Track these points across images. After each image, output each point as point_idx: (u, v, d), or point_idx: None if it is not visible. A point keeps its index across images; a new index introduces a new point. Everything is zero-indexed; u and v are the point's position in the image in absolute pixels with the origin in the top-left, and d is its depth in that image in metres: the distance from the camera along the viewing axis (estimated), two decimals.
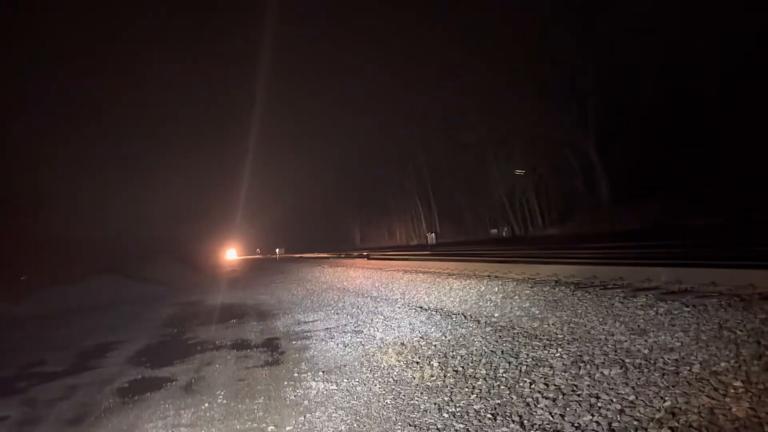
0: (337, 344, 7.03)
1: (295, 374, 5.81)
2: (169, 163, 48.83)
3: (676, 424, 3.29)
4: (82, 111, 41.29)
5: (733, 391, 3.59)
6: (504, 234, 37.39)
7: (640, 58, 25.28)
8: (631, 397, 3.81)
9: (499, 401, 4.18)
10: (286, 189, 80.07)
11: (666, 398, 3.68)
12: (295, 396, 5.04)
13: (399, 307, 9.05)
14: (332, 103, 66.81)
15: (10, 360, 8.52)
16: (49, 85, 37.85)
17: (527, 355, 5.17)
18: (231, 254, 70.21)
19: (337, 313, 9.69)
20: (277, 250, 77.43)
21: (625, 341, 5.07)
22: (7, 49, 33.67)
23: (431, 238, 43.32)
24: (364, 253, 29.79)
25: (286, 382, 5.54)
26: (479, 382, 4.68)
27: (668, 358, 4.46)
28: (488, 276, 9.95)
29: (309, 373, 5.76)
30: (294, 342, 7.62)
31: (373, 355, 6.16)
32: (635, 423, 3.41)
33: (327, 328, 8.32)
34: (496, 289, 8.33)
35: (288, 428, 4.26)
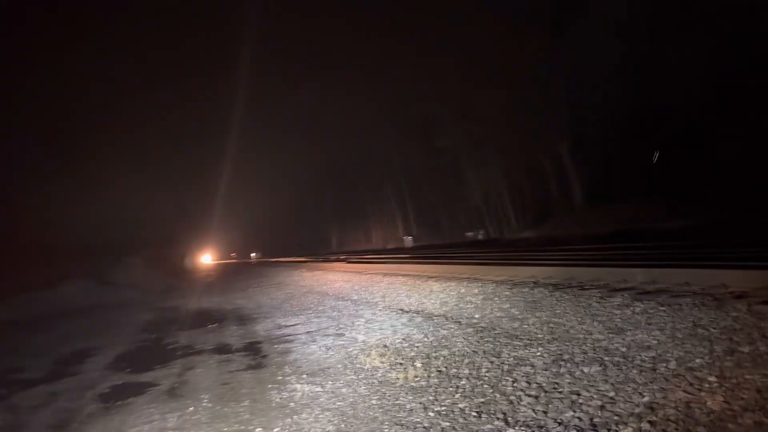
0: (320, 347, 7.06)
1: (279, 377, 5.83)
2: (143, 166, 48.07)
3: (655, 418, 3.41)
4: (48, 112, 40.47)
5: (707, 385, 3.74)
6: (480, 237, 37.74)
7: (612, 62, 25.77)
8: (611, 394, 3.93)
9: (483, 399, 4.27)
10: (262, 193, 79.58)
11: (644, 394, 3.81)
12: (280, 398, 5.07)
13: (380, 310, 9.11)
14: (308, 108, 66.56)
15: None
16: (21, 87, 37.10)
17: (509, 354, 5.28)
18: (206, 258, 69.46)
19: (318, 317, 9.70)
20: (252, 254, 76.98)
21: (603, 340, 5.22)
22: None
23: (408, 241, 43.54)
24: (342, 257, 29.81)
25: (270, 385, 5.56)
26: (463, 382, 4.76)
27: (645, 356, 4.61)
28: (468, 278, 10.09)
29: (293, 376, 5.78)
30: (276, 346, 7.62)
31: (356, 357, 6.21)
32: (616, 418, 3.53)
33: (308, 332, 8.34)
34: (476, 290, 8.46)
35: (275, 430, 4.29)
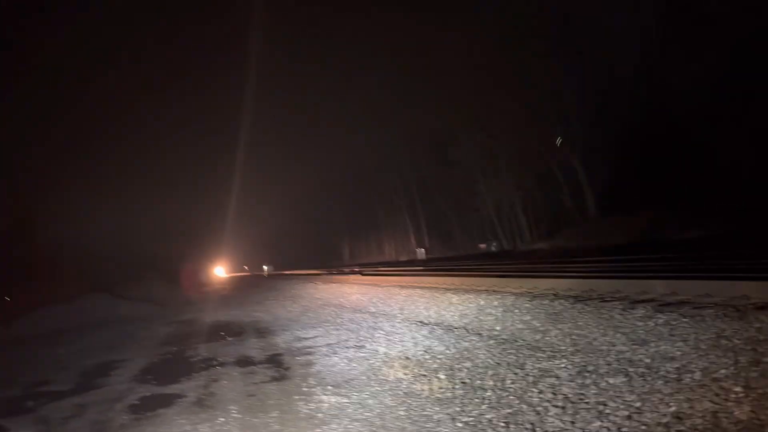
0: (341, 359, 7.13)
1: (304, 389, 5.90)
2: (156, 182, 48.60)
3: (683, 428, 3.46)
4: (67, 131, 41.17)
5: (734, 395, 3.78)
6: (493, 249, 37.66)
7: (625, 73, 25.84)
8: (638, 404, 3.98)
9: (510, 410, 4.33)
10: (274, 206, 79.88)
11: (671, 404, 3.85)
12: (308, 410, 5.15)
13: (399, 323, 9.17)
14: (321, 121, 67.10)
15: (13, 380, 8.51)
16: (30, 102, 37.78)
17: (532, 366, 5.33)
18: (219, 272, 69.70)
19: (337, 329, 9.77)
20: (264, 267, 77.03)
21: (627, 351, 5.26)
22: None
23: (421, 253, 43.49)
24: (356, 269, 29.87)
25: (296, 397, 5.64)
26: (488, 393, 4.82)
27: (670, 367, 4.64)
28: (486, 290, 10.13)
29: (318, 388, 5.86)
30: (298, 358, 7.70)
31: (379, 369, 6.28)
32: (643, 428, 3.58)
33: (328, 344, 8.41)
34: (496, 303, 8.51)
35: None
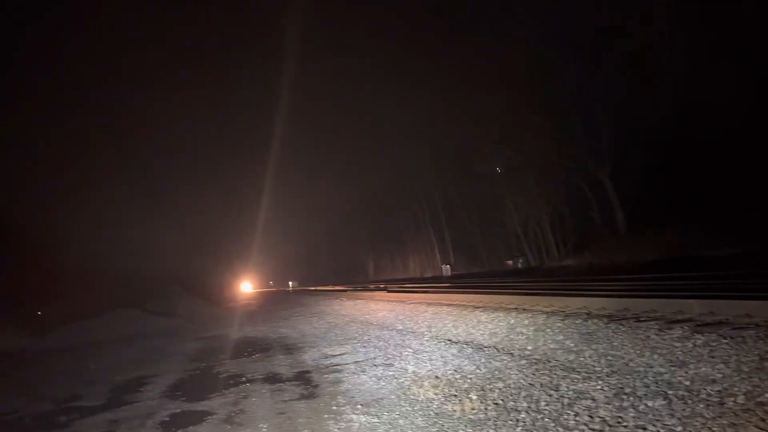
0: (370, 377, 7.07)
1: (334, 407, 5.86)
2: (185, 198, 49.28)
3: None
4: (97, 145, 42.08)
5: None
6: (519, 265, 37.25)
7: (654, 86, 25.55)
8: (679, 428, 3.85)
9: None
10: (300, 222, 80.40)
11: (714, 428, 3.72)
12: (338, 429, 5.09)
13: (427, 341, 9.08)
14: (346, 136, 67.53)
15: (45, 394, 8.63)
16: (63, 117, 38.78)
17: (567, 387, 5.20)
18: (246, 287, 70.21)
19: (364, 347, 9.72)
20: (290, 283, 77.50)
21: (666, 373, 5.11)
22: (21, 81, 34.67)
23: (446, 269, 43.23)
24: (381, 286, 29.81)
25: (326, 415, 5.59)
26: (522, 415, 4.72)
27: (711, 390, 4.50)
28: (516, 308, 9.99)
29: (347, 407, 5.80)
30: (326, 375, 7.66)
31: (408, 388, 6.20)
32: None
33: (356, 362, 8.36)
34: (526, 321, 8.37)
35: None
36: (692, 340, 5.81)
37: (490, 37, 34.37)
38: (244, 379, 8.18)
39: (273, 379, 7.93)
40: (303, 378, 7.71)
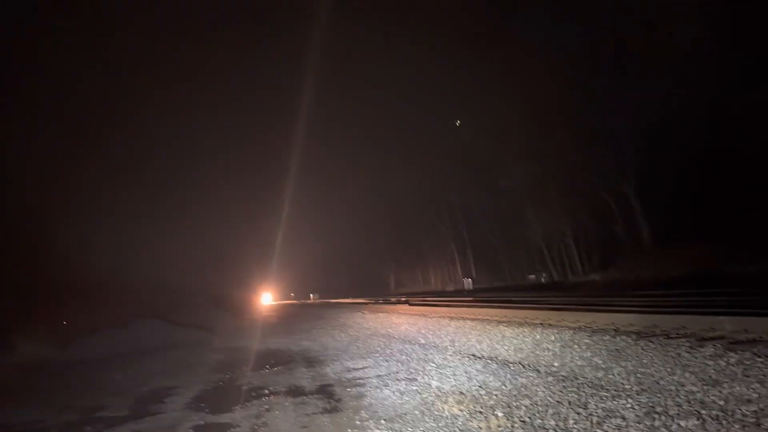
0: (393, 392, 6.99)
1: (357, 422, 5.80)
2: (209, 212, 49.93)
3: None
4: (123, 158, 42.91)
5: None
6: (542, 280, 36.84)
7: (680, 98, 25.23)
8: None
9: None
10: (320, 233, 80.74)
11: None
12: None
13: (450, 355, 8.98)
14: (367, 148, 67.92)
15: (70, 404, 8.71)
16: (88, 132, 39.63)
17: (596, 405, 5.09)
18: (267, 299, 70.53)
19: (387, 360, 9.64)
20: (311, 295, 77.68)
21: (698, 392, 4.97)
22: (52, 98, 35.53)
23: (468, 283, 42.95)
24: (403, 299, 29.69)
25: (349, 430, 5.55)
26: None
27: (746, 410, 4.37)
28: (541, 324, 9.85)
29: (371, 421, 5.75)
30: (348, 389, 7.61)
31: (432, 404, 6.12)
32: None
33: (379, 375, 8.29)
34: (553, 337, 8.24)
35: None
36: (725, 359, 5.66)
37: (515, 50, 34.32)
38: (266, 391, 8.17)
39: (295, 392, 7.90)
40: (325, 391, 7.67)
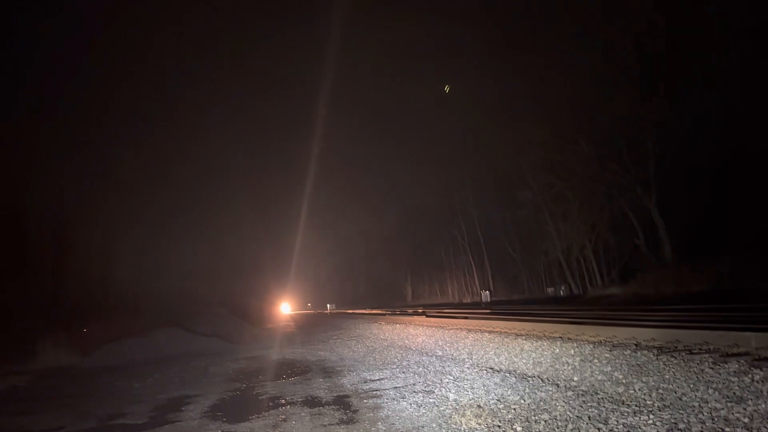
0: (410, 404, 6.95)
1: None
2: (227, 222, 50.36)
3: None
4: (145, 170, 43.54)
5: None
6: (561, 293, 36.48)
7: (704, 111, 24.98)
8: None
9: None
10: (338, 244, 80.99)
11: None
12: None
13: (468, 368, 8.91)
14: (385, 159, 68.19)
15: (89, 411, 8.78)
16: (109, 144, 40.33)
17: (617, 421, 5.01)
18: (285, 309, 70.72)
19: (404, 372, 9.60)
20: (328, 305, 77.77)
21: (722, 409, 4.88)
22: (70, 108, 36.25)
23: (485, 295, 42.66)
24: (420, 310, 29.57)
25: None
26: None
27: None
28: (560, 337, 9.73)
29: None
30: (365, 400, 7.58)
31: (450, 417, 6.07)
32: None
33: (395, 387, 8.26)
34: (572, 351, 8.13)
35: None
36: (750, 375, 5.54)
37: (536, 62, 34.30)
38: (283, 401, 8.17)
39: (312, 402, 7.90)
40: (342, 402, 7.65)
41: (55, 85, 36.91)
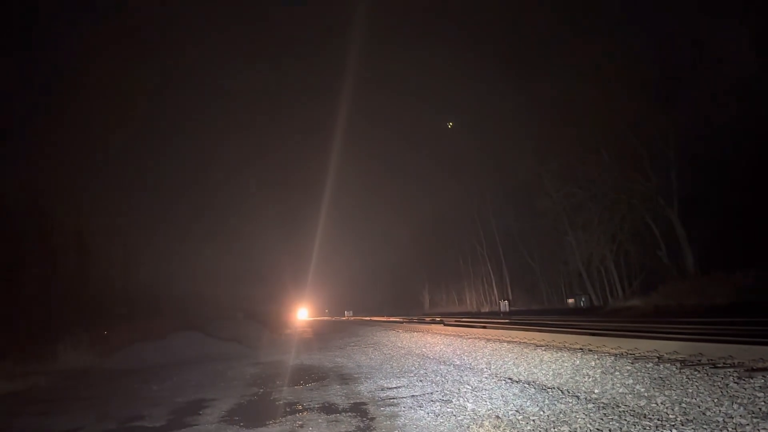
0: (427, 413, 6.90)
1: None
2: (247, 227, 50.81)
3: None
4: (167, 175, 44.17)
5: None
6: (581, 304, 36.06)
7: (727, 120, 24.65)
8: None
9: None
10: (356, 251, 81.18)
11: None
12: None
13: (486, 378, 8.84)
14: (405, 166, 68.34)
15: (109, 413, 8.88)
16: (132, 149, 40.99)
17: None
18: (302, 314, 70.93)
19: (421, 381, 9.55)
20: (345, 312, 77.88)
21: (747, 425, 4.77)
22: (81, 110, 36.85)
23: (504, 305, 42.34)
24: (438, 319, 29.45)
25: None
26: None
27: None
28: (581, 349, 9.60)
29: None
30: (382, 408, 7.55)
31: (468, 427, 6.01)
32: None
33: (413, 396, 8.21)
34: (593, 363, 8.01)
35: None
36: None
37: (558, 72, 34.18)
38: (300, 407, 8.18)
39: (329, 409, 7.88)
40: (359, 409, 7.63)
41: (81, 87, 37.56)
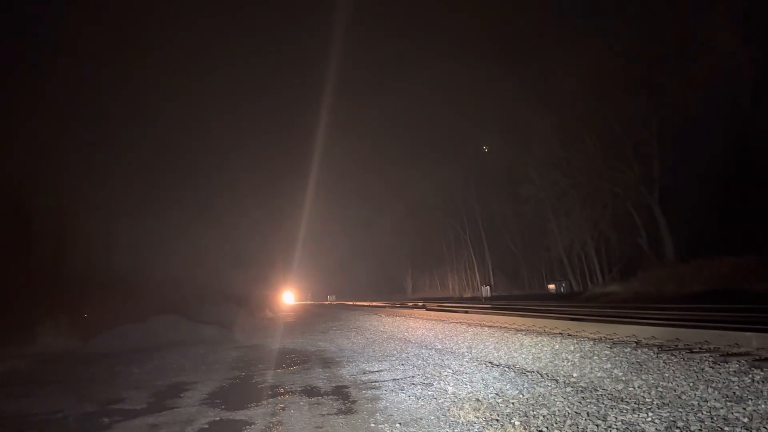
0: (409, 396, 6.95)
1: (372, 425, 5.77)
2: (229, 210, 50.39)
3: None
4: (147, 155, 43.57)
5: None
6: (562, 290, 36.47)
7: (709, 111, 24.90)
8: None
9: None
10: (340, 237, 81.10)
11: None
12: None
13: (467, 362, 8.91)
14: (389, 152, 68.21)
15: (89, 396, 8.81)
16: (111, 129, 40.40)
17: (616, 418, 5.00)
18: (287, 299, 70.85)
19: (403, 364, 9.60)
20: (328, 296, 78.00)
21: (721, 408, 4.86)
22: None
23: (486, 290, 42.68)
24: (420, 304, 29.60)
25: None
26: None
27: None
28: (561, 334, 9.73)
29: (386, 425, 5.71)
30: (363, 391, 7.59)
31: (448, 410, 6.06)
32: None
33: (395, 379, 8.26)
34: (572, 347, 8.12)
35: None
36: (750, 375, 5.53)
37: (542, 60, 34.24)
38: (282, 390, 8.19)
39: (311, 392, 7.90)
40: (341, 393, 7.65)
41: (61, 74, 36.87)
